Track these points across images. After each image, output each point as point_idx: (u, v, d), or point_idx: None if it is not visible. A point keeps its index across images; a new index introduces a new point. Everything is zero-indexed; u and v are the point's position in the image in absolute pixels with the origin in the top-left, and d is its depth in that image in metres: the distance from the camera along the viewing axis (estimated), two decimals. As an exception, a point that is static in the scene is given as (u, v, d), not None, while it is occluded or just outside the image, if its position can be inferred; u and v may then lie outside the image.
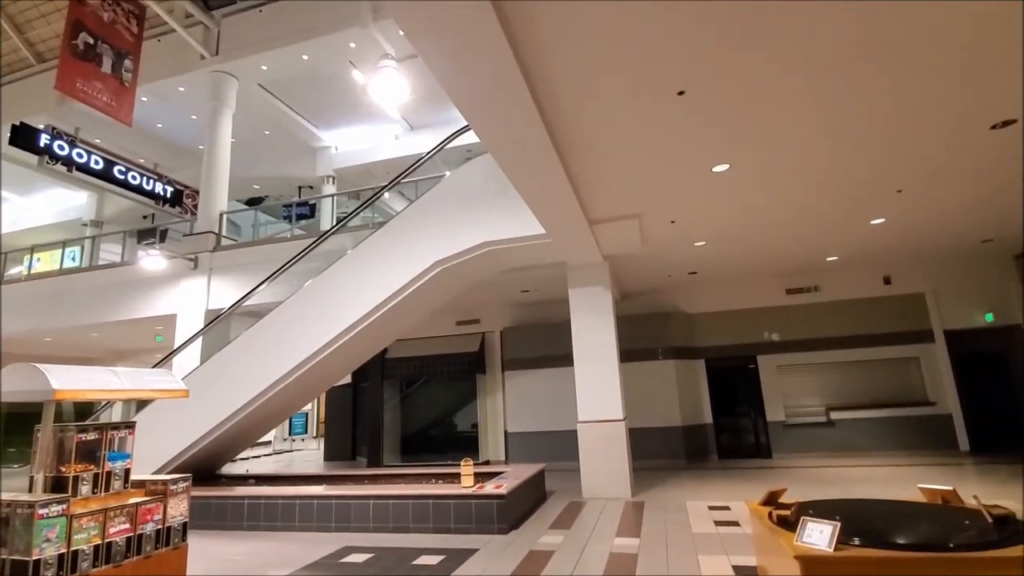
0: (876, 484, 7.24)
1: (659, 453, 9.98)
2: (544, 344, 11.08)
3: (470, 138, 8.63)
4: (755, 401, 10.58)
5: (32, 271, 13.14)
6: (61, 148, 11.04)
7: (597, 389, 7.59)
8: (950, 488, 3.50)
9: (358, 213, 9.21)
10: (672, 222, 6.89)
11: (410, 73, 9.03)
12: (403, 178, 8.47)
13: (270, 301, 8.31)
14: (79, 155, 11.34)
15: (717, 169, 5.28)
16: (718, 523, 5.70)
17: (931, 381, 9.91)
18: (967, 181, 6.08)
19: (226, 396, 7.56)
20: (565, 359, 8.35)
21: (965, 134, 4.87)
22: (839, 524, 2.81)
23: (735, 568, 4.27)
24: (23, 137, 10.52)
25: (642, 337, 10.59)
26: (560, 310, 8.81)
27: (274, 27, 10.94)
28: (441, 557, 4.96)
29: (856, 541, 2.82)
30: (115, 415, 12.36)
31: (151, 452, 7.47)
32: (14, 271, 13.90)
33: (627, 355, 8.87)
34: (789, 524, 3.25)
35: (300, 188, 16.58)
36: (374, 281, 7.39)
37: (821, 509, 3.31)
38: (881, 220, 7.38)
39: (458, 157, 8.44)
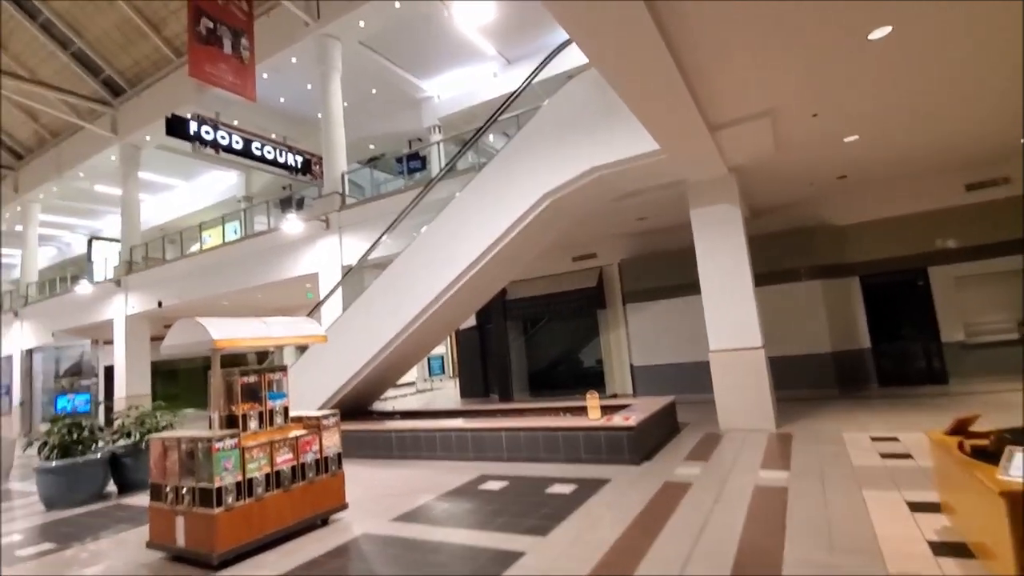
0: (1100, 410, 5.90)
1: (805, 383, 9.11)
2: (666, 273, 10.47)
3: (569, 63, 8.05)
4: (926, 320, 9.10)
5: (204, 246, 15.23)
6: (207, 133, 12.38)
7: (729, 316, 7.01)
8: None
9: (460, 158, 9.18)
10: (814, 116, 5.85)
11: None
12: (500, 115, 8.19)
13: (394, 253, 8.74)
14: (223, 137, 12.65)
15: (875, 35, 4.26)
16: (884, 455, 5.04)
17: None
18: None
19: (366, 341, 8.21)
20: (691, 287, 7.77)
21: None
22: (1065, 456, 2.24)
23: (910, 504, 3.72)
24: (176, 128, 11.94)
25: (780, 257, 9.51)
26: (681, 236, 8.14)
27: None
28: (574, 486, 4.99)
29: (1091, 476, 2.23)
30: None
31: (311, 394, 8.46)
32: (193, 248, 16.26)
33: (763, 278, 8.01)
34: (987, 456, 2.73)
35: (410, 142, 17.05)
36: (484, 222, 7.36)
37: (1034, 438, 2.69)
38: (1115, 75, 5.61)
39: (559, 86, 7.93)
